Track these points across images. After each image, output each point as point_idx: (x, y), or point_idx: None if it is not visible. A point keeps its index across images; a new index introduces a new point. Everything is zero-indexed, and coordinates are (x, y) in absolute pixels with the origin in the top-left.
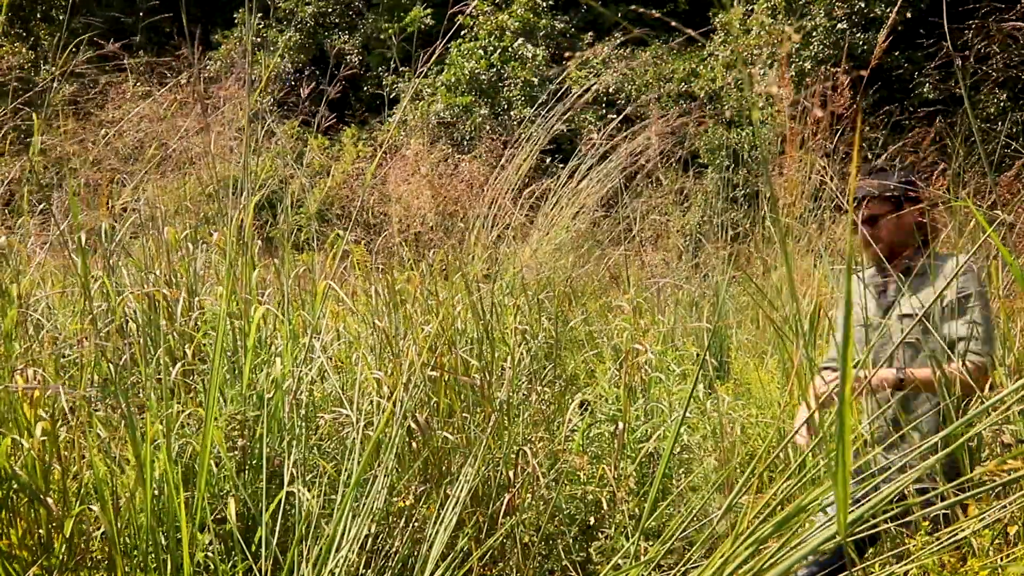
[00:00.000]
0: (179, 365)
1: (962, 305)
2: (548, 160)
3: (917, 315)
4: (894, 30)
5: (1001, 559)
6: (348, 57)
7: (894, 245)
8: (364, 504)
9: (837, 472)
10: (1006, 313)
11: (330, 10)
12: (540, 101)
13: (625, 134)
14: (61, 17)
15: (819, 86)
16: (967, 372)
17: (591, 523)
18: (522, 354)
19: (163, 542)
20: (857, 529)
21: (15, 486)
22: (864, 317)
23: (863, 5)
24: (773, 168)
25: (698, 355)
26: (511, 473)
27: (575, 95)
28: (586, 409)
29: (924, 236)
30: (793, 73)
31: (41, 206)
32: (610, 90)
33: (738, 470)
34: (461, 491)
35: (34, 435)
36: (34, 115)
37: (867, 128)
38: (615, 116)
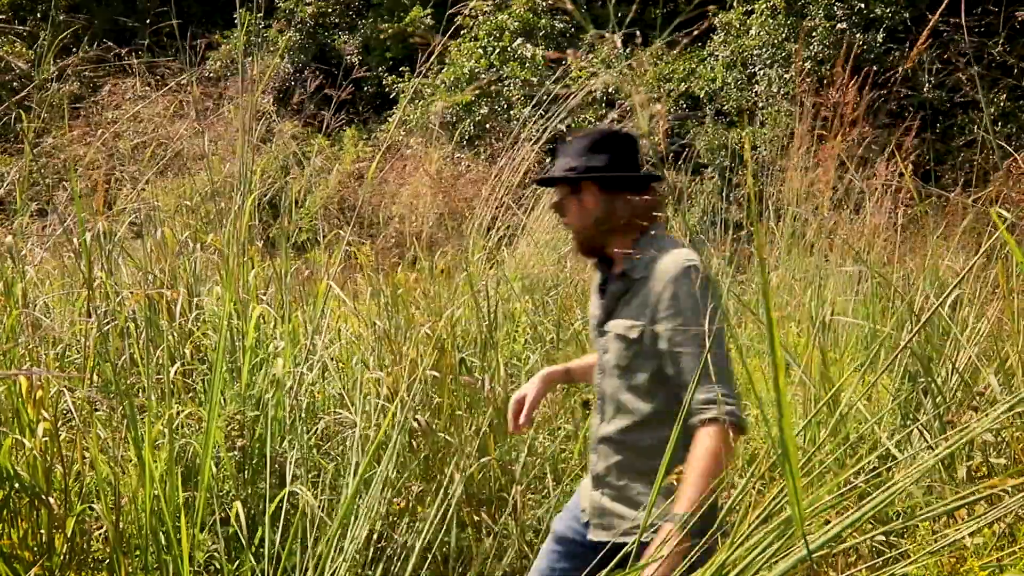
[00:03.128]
0: (177, 364)
1: (673, 328)
2: (548, 160)
3: (623, 330)
4: (893, 29)
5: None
6: (348, 57)
7: (592, 237)
8: (364, 505)
9: (786, 473)
10: (1011, 312)
11: (330, 10)
12: (535, 102)
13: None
14: (61, 17)
15: (825, 94)
16: (714, 438)
17: None
18: (528, 356)
19: (164, 542)
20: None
21: (17, 486)
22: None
23: (863, 5)
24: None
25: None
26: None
27: (573, 96)
28: (589, 409)
29: (628, 223)
30: (793, 73)
31: (33, 204)
32: (610, 89)
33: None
34: (460, 492)
35: (36, 435)
36: (23, 114)
37: (866, 127)
38: (615, 116)
